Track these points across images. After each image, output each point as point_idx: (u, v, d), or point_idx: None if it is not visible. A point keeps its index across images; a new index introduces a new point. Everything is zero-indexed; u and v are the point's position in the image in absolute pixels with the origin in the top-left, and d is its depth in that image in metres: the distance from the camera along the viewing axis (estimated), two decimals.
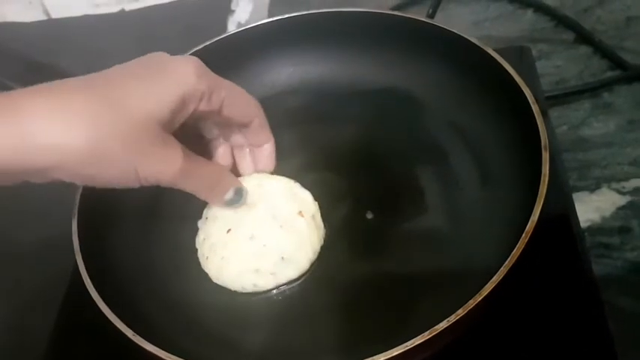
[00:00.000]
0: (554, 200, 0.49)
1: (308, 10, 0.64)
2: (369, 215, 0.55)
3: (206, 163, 0.50)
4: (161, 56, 0.45)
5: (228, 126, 0.52)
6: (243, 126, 0.52)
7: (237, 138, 0.54)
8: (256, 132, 0.52)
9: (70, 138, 0.39)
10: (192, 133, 0.51)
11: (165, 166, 0.44)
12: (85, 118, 0.39)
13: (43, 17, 0.94)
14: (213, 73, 0.47)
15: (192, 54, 0.56)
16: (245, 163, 0.55)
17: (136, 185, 0.43)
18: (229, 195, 0.51)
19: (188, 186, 0.47)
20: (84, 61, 0.54)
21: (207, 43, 0.63)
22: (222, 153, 0.55)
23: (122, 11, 0.93)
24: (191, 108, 0.45)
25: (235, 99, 0.49)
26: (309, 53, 0.66)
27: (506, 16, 0.79)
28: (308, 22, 0.64)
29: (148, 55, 0.45)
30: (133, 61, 0.44)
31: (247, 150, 0.55)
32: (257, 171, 0.55)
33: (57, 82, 0.41)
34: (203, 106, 0.46)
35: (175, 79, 0.43)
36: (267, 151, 0.54)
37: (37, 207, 0.67)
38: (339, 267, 0.53)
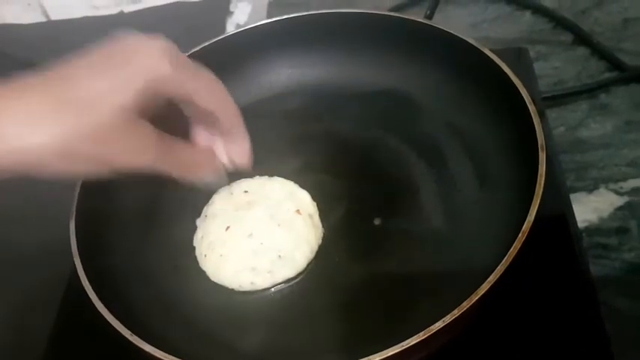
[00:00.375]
0: (551, 201, 0.49)
1: (307, 11, 0.64)
2: (368, 216, 0.55)
3: (182, 145, 0.48)
4: (125, 43, 0.43)
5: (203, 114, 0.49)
6: (215, 119, 0.49)
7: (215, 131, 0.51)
8: (227, 120, 0.49)
9: (36, 140, 0.38)
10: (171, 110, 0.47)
11: (138, 155, 0.43)
12: (48, 120, 0.39)
13: (42, 19, 0.94)
14: (183, 59, 0.44)
15: (190, 55, 0.56)
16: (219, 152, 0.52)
17: (113, 176, 0.43)
18: (208, 177, 0.50)
19: (165, 169, 0.45)
20: None
21: (206, 44, 0.63)
22: (202, 133, 0.51)
23: (121, 13, 0.93)
24: (161, 92, 0.43)
25: (207, 90, 0.46)
26: (308, 55, 0.66)
27: (504, 18, 0.80)
28: (306, 23, 0.64)
29: (113, 41, 0.43)
30: (96, 49, 0.42)
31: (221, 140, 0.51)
32: (232, 164, 0.52)
33: (15, 84, 0.40)
34: (172, 93, 0.44)
35: (140, 68, 0.42)
36: (241, 146, 0.51)
37: (36, 208, 0.68)
38: (337, 267, 0.53)
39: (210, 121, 0.49)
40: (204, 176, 0.49)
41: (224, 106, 0.49)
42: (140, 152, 0.43)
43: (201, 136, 0.51)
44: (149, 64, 0.42)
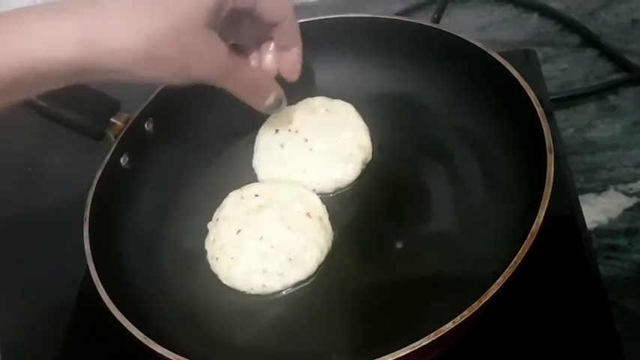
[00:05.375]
0: (560, 202, 0.49)
1: (315, 16, 0.64)
2: (377, 219, 0.56)
3: (249, 66, 0.52)
4: None
5: (260, 27, 0.52)
6: (273, 24, 0.51)
7: (267, 44, 0.54)
8: (286, 32, 0.52)
9: (128, 43, 0.41)
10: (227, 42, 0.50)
11: (212, 64, 0.46)
12: (139, 26, 0.41)
13: None
14: None
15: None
16: (269, 62, 0.55)
17: (187, 82, 0.46)
18: (270, 100, 0.52)
19: (230, 85, 0.48)
20: None
21: None
22: (259, 60, 0.55)
23: None
24: (227, 4, 0.45)
25: (272, 1, 0.49)
26: (317, 59, 0.66)
27: (512, 20, 0.80)
28: (315, 28, 0.64)
29: None
30: None
31: (273, 51, 0.54)
32: (282, 75, 0.54)
33: None
34: (238, 3, 0.46)
35: None
36: (294, 54, 0.54)
37: (49, 213, 0.68)
38: (347, 269, 0.53)
39: (268, 33, 0.52)
40: (266, 99, 0.52)
41: (287, 19, 0.51)
42: (214, 62, 0.46)
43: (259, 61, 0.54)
44: None
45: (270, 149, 0.60)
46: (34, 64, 0.40)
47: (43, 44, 0.40)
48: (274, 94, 0.52)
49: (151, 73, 0.44)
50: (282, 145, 0.60)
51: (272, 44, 0.54)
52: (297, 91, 0.57)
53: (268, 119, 0.61)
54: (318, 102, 0.62)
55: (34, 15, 0.40)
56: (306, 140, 0.59)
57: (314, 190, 0.58)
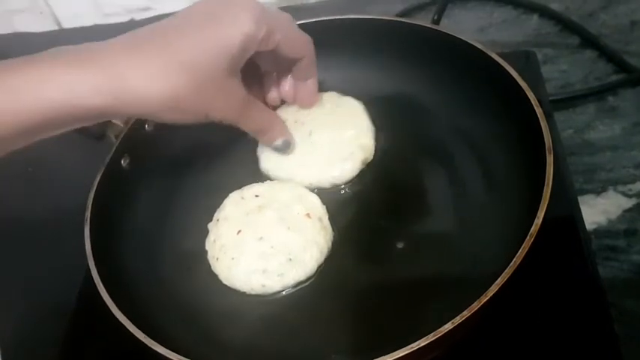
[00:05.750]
0: (560, 203, 0.49)
1: (314, 17, 0.64)
2: (377, 220, 0.56)
3: (264, 109, 0.55)
4: (220, 2, 0.48)
5: (280, 62, 0.55)
6: (293, 62, 0.55)
7: (285, 71, 0.57)
8: (305, 68, 0.56)
9: (152, 92, 0.45)
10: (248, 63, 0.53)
11: (230, 110, 0.50)
12: (163, 75, 0.45)
13: (54, 27, 0.96)
14: (271, 14, 0.49)
15: None
16: (287, 92, 0.59)
17: (206, 122, 0.50)
18: (278, 142, 0.57)
19: (246, 126, 0.53)
20: None
21: None
22: (273, 88, 0.59)
23: (132, 21, 0.94)
24: (251, 52, 0.49)
25: (290, 38, 0.52)
26: (317, 60, 0.66)
27: (511, 21, 0.80)
28: (315, 29, 0.64)
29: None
30: (194, 6, 0.48)
31: (291, 82, 0.58)
32: (298, 104, 0.60)
33: (131, 39, 0.46)
34: (261, 48, 0.49)
35: (236, 27, 0.47)
36: (310, 85, 0.58)
37: (49, 213, 0.68)
38: (347, 270, 0.53)
39: (288, 67, 0.56)
40: (276, 140, 0.57)
41: (306, 53, 0.54)
42: (232, 108, 0.50)
43: (272, 89, 0.59)
44: (245, 24, 0.47)
45: None
46: (60, 110, 0.43)
47: (71, 91, 0.43)
48: (282, 138, 0.57)
49: (172, 117, 0.47)
50: None
51: (289, 77, 0.58)
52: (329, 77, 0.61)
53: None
54: (328, 97, 0.62)
55: (63, 62, 0.43)
56: (310, 134, 0.60)
57: (310, 183, 0.58)
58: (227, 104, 0.50)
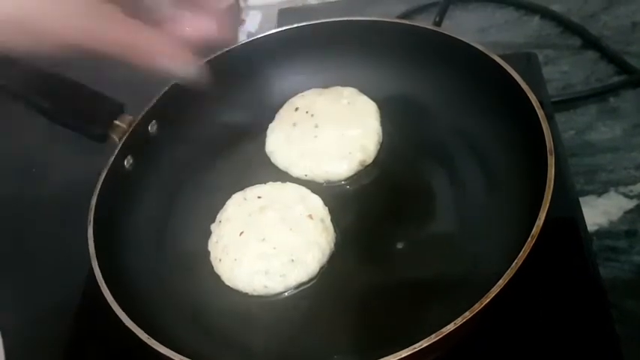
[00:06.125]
0: (561, 204, 0.49)
1: (316, 19, 0.65)
2: (379, 221, 0.56)
3: (152, 31, 0.43)
4: None
5: None
6: None
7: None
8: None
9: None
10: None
11: (102, 34, 0.41)
12: None
13: None
14: None
15: (205, 63, 0.57)
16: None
17: (82, 55, 0.40)
18: (179, 68, 0.45)
19: (132, 56, 0.42)
20: (92, 71, 0.55)
21: (219, 52, 0.64)
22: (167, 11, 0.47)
23: None
24: None
25: None
26: (318, 61, 0.66)
27: (513, 23, 0.80)
28: (316, 31, 0.65)
29: None
30: None
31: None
32: (200, 37, 0.47)
33: None
34: None
35: None
36: (210, 17, 0.47)
37: (52, 214, 0.69)
38: (349, 271, 0.53)
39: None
40: (175, 67, 0.44)
41: None
42: (104, 31, 0.40)
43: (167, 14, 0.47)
44: None
45: (284, 122, 0.62)
46: None
47: None
48: (184, 61, 0.45)
49: (28, 42, 0.39)
50: (294, 124, 0.62)
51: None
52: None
53: (296, 96, 0.63)
54: (348, 92, 0.63)
55: None
56: (316, 126, 0.60)
57: (305, 175, 0.59)
58: (99, 25, 0.40)
